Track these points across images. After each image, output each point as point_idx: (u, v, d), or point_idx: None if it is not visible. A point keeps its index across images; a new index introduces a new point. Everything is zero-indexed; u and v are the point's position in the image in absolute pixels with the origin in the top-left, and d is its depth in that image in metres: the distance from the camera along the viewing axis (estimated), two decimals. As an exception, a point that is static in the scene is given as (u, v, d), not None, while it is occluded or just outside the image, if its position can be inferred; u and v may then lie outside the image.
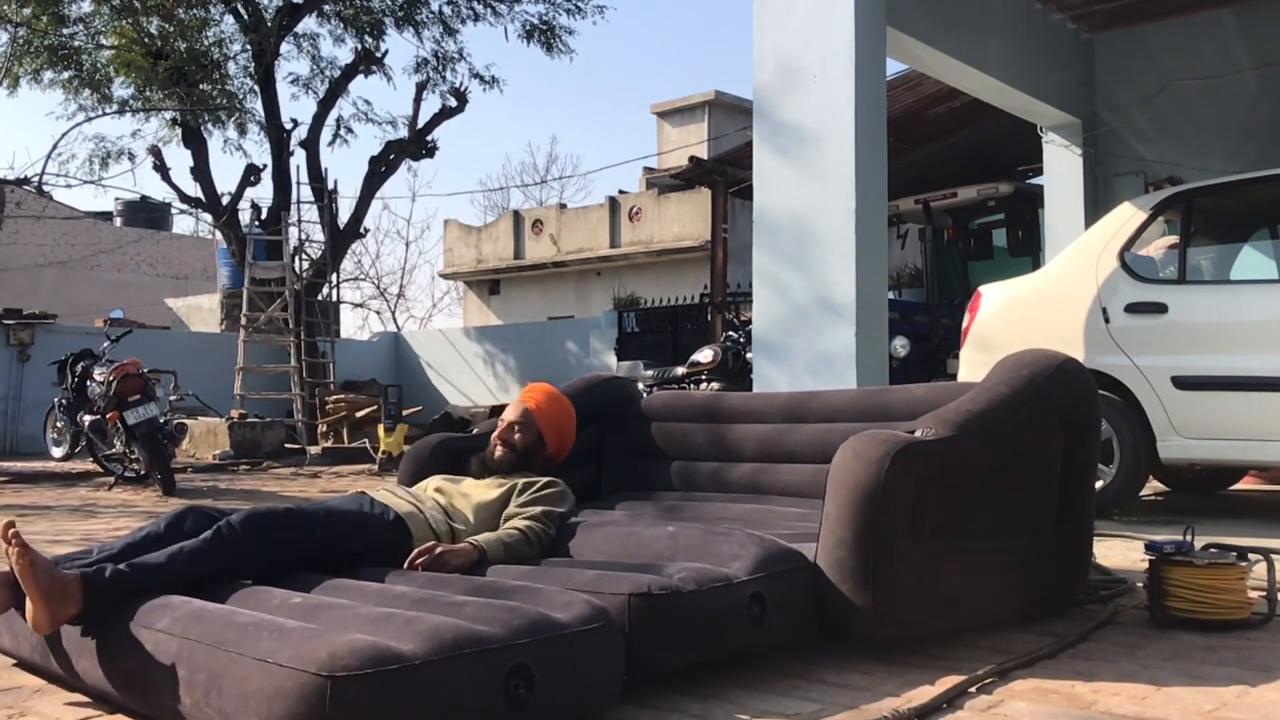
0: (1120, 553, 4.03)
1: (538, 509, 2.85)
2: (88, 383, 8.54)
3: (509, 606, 2.04)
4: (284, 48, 14.54)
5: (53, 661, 2.32)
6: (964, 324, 5.85)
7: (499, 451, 3.18)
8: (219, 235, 16.16)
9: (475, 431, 3.97)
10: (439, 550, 2.58)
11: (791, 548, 2.53)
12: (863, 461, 2.47)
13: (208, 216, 15.31)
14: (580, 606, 2.07)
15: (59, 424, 10.46)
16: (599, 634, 2.03)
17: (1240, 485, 6.93)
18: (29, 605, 2.16)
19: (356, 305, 28.60)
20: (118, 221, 27.11)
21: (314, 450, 11.72)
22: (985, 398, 2.77)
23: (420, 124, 14.78)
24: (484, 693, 1.83)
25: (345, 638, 1.83)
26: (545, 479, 3.04)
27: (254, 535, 2.45)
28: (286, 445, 11.95)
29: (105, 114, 14.24)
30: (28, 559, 2.13)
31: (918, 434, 2.59)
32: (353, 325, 30.73)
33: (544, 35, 14.50)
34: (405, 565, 2.56)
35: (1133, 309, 5.21)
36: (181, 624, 2.06)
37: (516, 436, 3.19)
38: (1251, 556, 2.87)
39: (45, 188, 13.71)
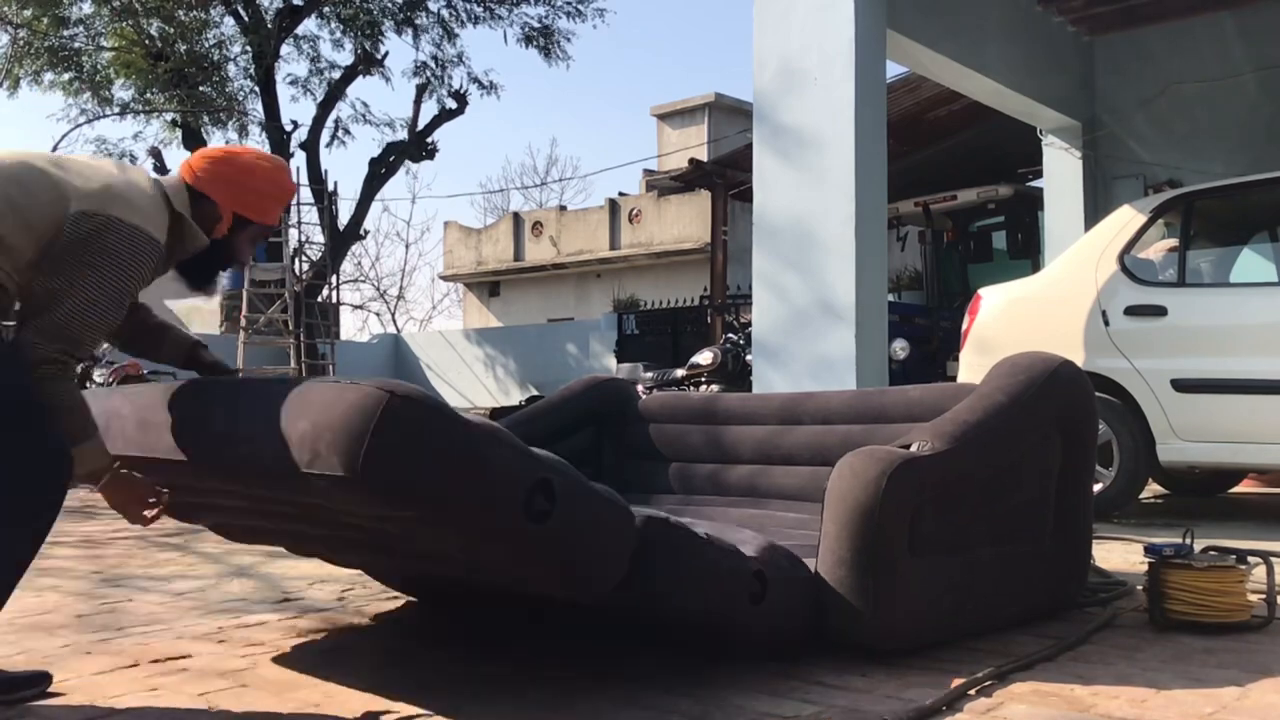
0: (1119, 555, 4.03)
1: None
2: (88, 384, 8.54)
3: None
4: (284, 49, 14.59)
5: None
6: (964, 326, 5.85)
7: None
8: (219, 237, 16.12)
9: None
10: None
11: (794, 555, 2.53)
12: (860, 480, 2.46)
13: (208, 218, 15.29)
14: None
15: (58, 425, 10.43)
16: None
17: (1240, 488, 6.93)
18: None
19: (356, 307, 28.68)
20: (118, 223, 27.06)
21: (313, 452, 11.70)
22: (982, 406, 2.75)
23: (420, 126, 14.81)
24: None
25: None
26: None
27: None
28: (286, 447, 11.94)
29: (106, 116, 14.28)
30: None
31: (914, 448, 2.56)
32: (352, 327, 30.80)
33: (542, 40, 14.51)
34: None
35: (1132, 311, 5.21)
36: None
37: None
38: (1251, 559, 2.87)
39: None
